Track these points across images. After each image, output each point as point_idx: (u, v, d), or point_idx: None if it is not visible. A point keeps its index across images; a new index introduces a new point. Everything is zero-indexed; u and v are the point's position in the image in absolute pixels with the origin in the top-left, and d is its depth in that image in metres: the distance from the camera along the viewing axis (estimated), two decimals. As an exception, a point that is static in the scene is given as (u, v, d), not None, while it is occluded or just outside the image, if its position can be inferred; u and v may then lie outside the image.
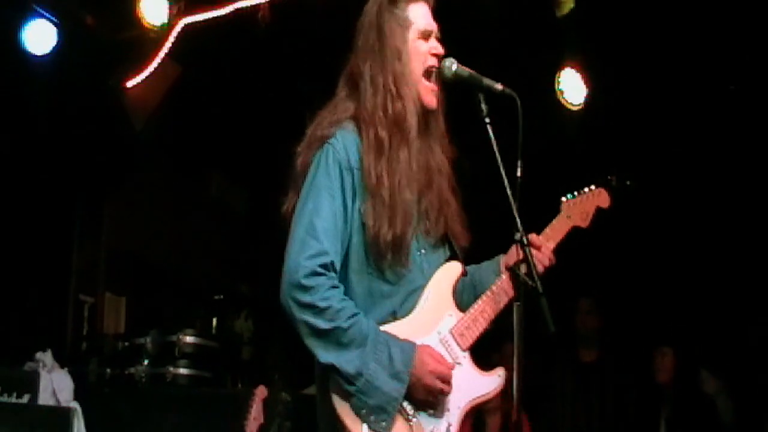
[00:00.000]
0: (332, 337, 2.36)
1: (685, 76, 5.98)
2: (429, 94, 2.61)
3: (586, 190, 2.86)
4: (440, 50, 2.64)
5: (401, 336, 2.44)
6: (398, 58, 2.57)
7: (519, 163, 2.44)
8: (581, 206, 2.82)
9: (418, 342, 2.45)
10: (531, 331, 2.32)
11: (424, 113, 2.62)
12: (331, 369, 2.37)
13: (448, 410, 2.45)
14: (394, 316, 2.49)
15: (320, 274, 2.39)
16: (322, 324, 2.36)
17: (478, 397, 2.50)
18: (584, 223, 2.81)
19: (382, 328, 2.45)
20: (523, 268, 2.38)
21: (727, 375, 5.82)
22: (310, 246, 2.40)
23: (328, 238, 2.42)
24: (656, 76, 6.01)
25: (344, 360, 2.35)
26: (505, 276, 2.58)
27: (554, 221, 2.76)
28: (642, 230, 6.57)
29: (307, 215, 2.44)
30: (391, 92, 2.54)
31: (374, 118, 2.53)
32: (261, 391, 4.56)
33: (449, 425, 2.44)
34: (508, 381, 2.45)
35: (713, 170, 6.47)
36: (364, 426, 2.33)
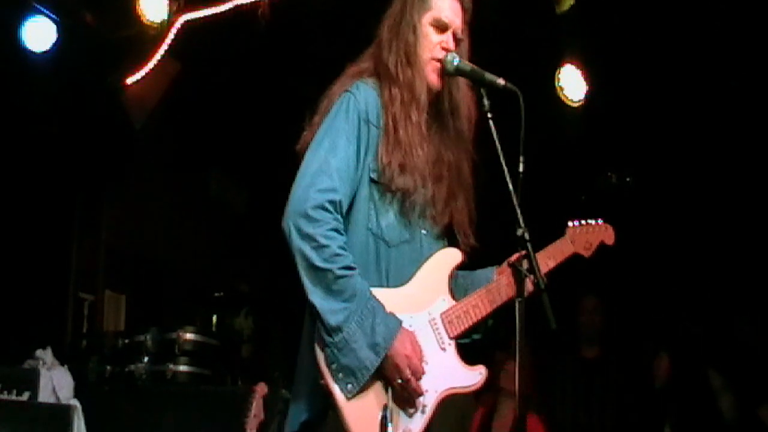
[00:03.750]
0: (323, 277, 2.36)
1: (686, 72, 5.98)
2: (433, 73, 2.63)
3: (593, 222, 2.88)
4: (451, 46, 2.66)
5: (391, 306, 2.44)
6: (413, 31, 2.62)
7: (521, 158, 2.44)
8: (586, 236, 2.85)
9: (407, 316, 2.46)
10: (534, 327, 2.31)
11: (437, 103, 2.66)
12: (315, 311, 2.37)
13: (426, 391, 2.45)
14: (386, 281, 2.50)
15: (327, 210, 2.40)
16: (317, 260, 2.36)
17: (456, 388, 2.51)
18: (586, 253, 2.84)
19: (375, 290, 2.44)
20: (525, 264, 2.38)
21: (729, 373, 5.82)
22: (322, 180, 2.42)
23: (340, 178, 2.44)
24: (656, 73, 6.01)
25: (328, 308, 2.35)
26: (504, 277, 2.58)
27: (557, 242, 2.78)
28: (644, 226, 6.57)
29: (323, 151, 2.47)
30: (402, 58, 2.59)
31: (391, 76, 2.58)
32: (261, 389, 4.56)
33: (424, 405, 2.45)
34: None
35: (714, 167, 6.47)
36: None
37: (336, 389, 2.35)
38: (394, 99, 2.55)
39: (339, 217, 2.43)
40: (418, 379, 2.41)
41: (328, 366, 2.35)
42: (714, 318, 6.40)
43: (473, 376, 2.53)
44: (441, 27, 2.65)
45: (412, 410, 2.42)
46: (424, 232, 2.60)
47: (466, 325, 2.54)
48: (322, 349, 2.37)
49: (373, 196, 2.52)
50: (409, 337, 2.42)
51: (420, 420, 2.44)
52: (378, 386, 2.39)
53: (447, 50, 2.64)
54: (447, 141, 2.67)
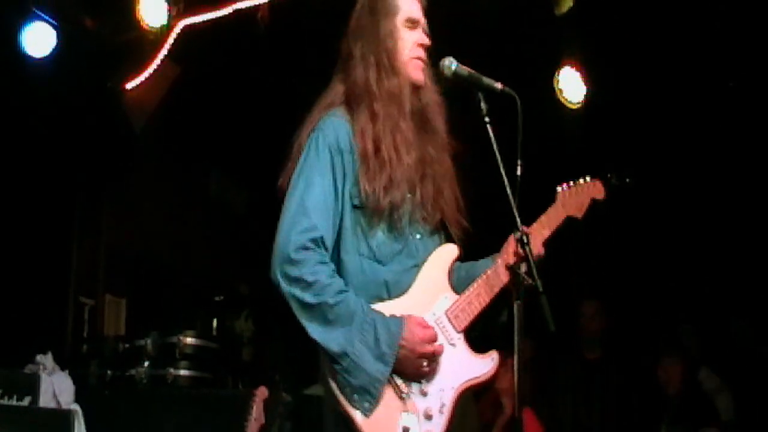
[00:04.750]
0: (318, 312, 2.39)
1: (685, 74, 5.98)
2: (417, 69, 2.67)
3: (582, 181, 2.88)
4: (426, 41, 2.70)
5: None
6: (390, 36, 2.64)
7: (519, 162, 2.44)
8: (576, 197, 2.84)
9: None
10: (534, 329, 2.32)
11: (416, 97, 2.67)
12: (319, 346, 2.40)
13: (442, 390, 2.47)
14: (388, 295, 2.51)
15: (309, 249, 2.43)
16: (309, 298, 2.40)
17: (472, 379, 2.52)
18: (579, 214, 2.83)
19: (376, 307, 2.46)
20: (523, 267, 2.38)
21: (726, 373, 5.82)
22: (300, 222, 2.45)
23: (318, 215, 2.46)
24: (655, 74, 6.01)
25: (330, 338, 2.38)
26: (500, 262, 2.58)
27: (549, 210, 2.77)
28: (643, 227, 6.58)
29: (297, 193, 2.50)
30: (385, 67, 2.60)
31: (368, 93, 2.59)
32: (262, 392, 4.56)
33: (443, 405, 2.46)
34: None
35: (713, 168, 6.47)
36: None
37: (353, 412, 2.36)
38: (376, 116, 2.55)
39: (323, 251, 2.46)
40: (438, 351, 2.43)
41: (342, 391, 2.37)
42: (710, 319, 6.41)
43: (486, 364, 2.54)
44: (412, 24, 2.69)
45: (431, 413, 2.43)
46: (417, 236, 2.62)
47: (471, 317, 2.56)
48: (334, 378, 2.39)
49: (359, 222, 2.54)
50: (413, 320, 2.45)
51: (440, 420, 2.45)
52: (393, 396, 2.41)
53: (423, 46, 2.68)
54: (426, 136, 2.69)
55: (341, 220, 2.53)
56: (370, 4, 2.71)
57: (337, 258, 2.52)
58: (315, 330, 2.40)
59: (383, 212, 2.51)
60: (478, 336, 2.62)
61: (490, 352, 2.56)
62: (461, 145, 2.75)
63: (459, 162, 2.74)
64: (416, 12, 2.71)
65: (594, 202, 2.86)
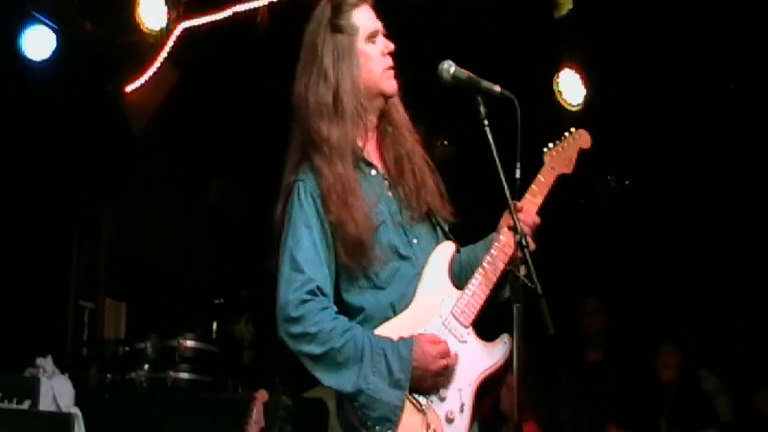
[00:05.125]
0: (328, 359, 2.41)
1: (684, 76, 5.98)
2: (388, 80, 2.64)
3: (566, 134, 2.87)
4: (391, 47, 2.67)
5: (402, 332, 2.46)
6: (324, 79, 2.59)
7: (518, 165, 2.44)
8: (564, 153, 2.83)
9: (422, 330, 2.47)
10: (535, 330, 2.31)
11: (386, 105, 2.66)
12: (336, 391, 2.43)
13: (460, 390, 2.47)
14: (394, 311, 2.51)
15: (307, 301, 2.43)
16: (316, 349, 2.41)
17: (487, 369, 2.51)
18: (568, 170, 2.81)
19: (381, 328, 2.47)
20: (522, 270, 2.38)
21: (727, 373, 5.82)
22: (295, 279, 2.45)
23: (310, 267, 2.46)
24: (655, 76, 6.01)
25: (342, 380, 2.40)
26: (496, 243, 2.57)
27: (539, 174, 2.74)
28: (643, 228, 6.57)
29: (288, 252, 2.50)
30: (329, 111, 2.58)
31: (315, 144, 2.56)
32: (262, 395, 4.57)
33: (462, 404, 2.46)
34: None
35: (713, 169, 6.47)
36: None
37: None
38: (321, 173, 2.51)
39: (322, 298, 2.46)
40: (453, 363, 2.44)
41: (364, 425, 2.38)
42: (710, 319, 6.41)
43: (498, 349, 2.53)
44: (373, 37, 2.65)
45: (452, 416, 2.44)
46: (414, 240, 2.62)
47: (478, 307, 2.54)
48: (355, 415, 2.40)
49: (344, 253, 2.52)
50: (423, 338, 2.45)
51: (462, 420, 2.45)
52: (412, 411, 2.41)
53: (390, 53, 2.64)
54: (397, 130, 2.69)
55: (336, 262, 2.53)
56: (313, 41, 2.65)
57: (339, 299, 2.53)
58: (329, 378, 2.41)
59: (364, 250, 2.49)
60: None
61: (501, 336, 2.53)
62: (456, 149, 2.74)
63: (427, 148, 2.74)
64: (373, 22, 2.66)
65: (583, 153, 2.84)
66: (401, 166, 2.64)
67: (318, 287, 2.46)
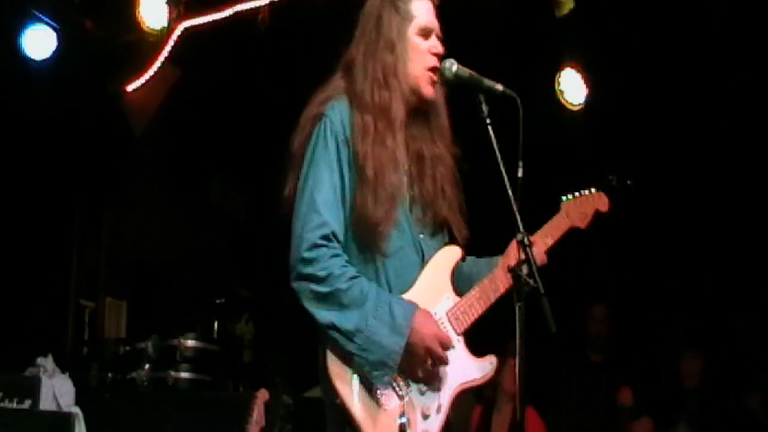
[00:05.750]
0: (333, 298, 2.41)
1: (685, 75, 5.98)
2: (428, 85, 2.63)
3: (586, 192, 2.89)
4: (440, 49, 2.66)
5: None
6: (390, 51, 2.60)
7: (520, 163, 2.44)
8: (581, 207, 2.86)
9: None
10: (538, 330, 2.31)
11: (422, 103, 2.65)
12: (331, 328, 2.40)
13: (440, 390, 2.48)
14: (389, 288, 2.51)
15: (321, 246, 2.44)
16: (322, 289, 2.41)
17: (469, 381, 2.54)
18: (582, 224, 2.85)
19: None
20: (524, 269, 2.38)
21: (726, 373, 5.81)
22: (311, 219, 2.46)
23: (328, 210, 2.47)
24: (656, 76, 6.01)
25: (343, 318, 2.39)
26: (502, 266, 2.59)
27: (553, 219, 2.78)
28: (643, 228, 6.57)
29: (308, 191, 2.50)
30: (378, 81, 2.57)
31: (362, 102, 2.56)
32: (262, 395, 4.56)
33: (440, 405, 2.47)
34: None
35: (714, 169, 6.46)
36: (354, 383, 2.37)
37: (352, 408, 2.37)
38: (366, 130, 2.53)
39: (335, 244, 2.47)
40: (446, 349, 2.44)
41: (361, 372, 2.38)
42: (710, 319, 6.40)
43: (484, 367, 2.56)
44: (426, 33, 2.65)
45: (428, 412, 2.45)
46: (421, 235, 2.62)
47: (472, 319, 2.57)
48: (350, 362, 2.39)
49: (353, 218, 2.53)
50: (428, 314, 2.47)
51: (436, 420, 2.46)
52: (392, 396, 2.41)
53: (437, 55, 2.64)
54: (431, 132, 2.68)
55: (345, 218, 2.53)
56: (378, 12, 2.64)
57: (346, 243, 2.52)
58: (328, 314, 2.40)
59: (372, 225, 2.50)
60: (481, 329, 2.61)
61: (489, 356, 2.56)
62: (460, 149, 2.74)
63: (461, 167, 2.73)
64: (430, 19, 2.66)
65: (598, 214, 2.87)
66: (422, 168, 2.64)
67: (333, 233, 2.47)
